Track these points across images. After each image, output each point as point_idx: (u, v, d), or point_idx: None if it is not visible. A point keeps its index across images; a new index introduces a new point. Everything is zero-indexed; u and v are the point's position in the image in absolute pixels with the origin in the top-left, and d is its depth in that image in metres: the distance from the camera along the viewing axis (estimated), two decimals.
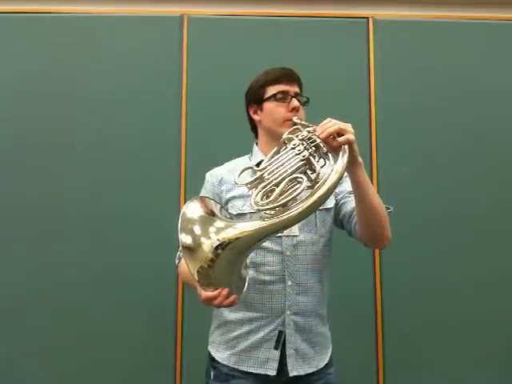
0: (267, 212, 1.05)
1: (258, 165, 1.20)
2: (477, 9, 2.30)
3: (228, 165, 1.42)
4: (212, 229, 1.05)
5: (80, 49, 2.17)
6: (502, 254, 2.13)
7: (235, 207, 1.31)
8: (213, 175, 1.40)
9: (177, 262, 1.38)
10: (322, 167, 1.08)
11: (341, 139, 1.09)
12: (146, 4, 2.26)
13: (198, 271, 1.02)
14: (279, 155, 1.13)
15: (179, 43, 2.18)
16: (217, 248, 1.02)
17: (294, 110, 1.29)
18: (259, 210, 1.06)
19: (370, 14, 2.24)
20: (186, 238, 1.03)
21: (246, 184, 1.11)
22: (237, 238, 1.04)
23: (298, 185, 1.05)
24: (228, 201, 1.33)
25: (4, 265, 2.05)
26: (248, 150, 1.43)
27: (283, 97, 1.31)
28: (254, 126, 1.41)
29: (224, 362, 1.29)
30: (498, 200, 2.15)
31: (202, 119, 2.13)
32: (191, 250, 1.03)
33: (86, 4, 2.25)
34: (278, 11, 2.27)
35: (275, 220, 1.03)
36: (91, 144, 2.12)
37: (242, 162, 1.40)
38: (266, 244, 1.26)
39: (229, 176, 1.36)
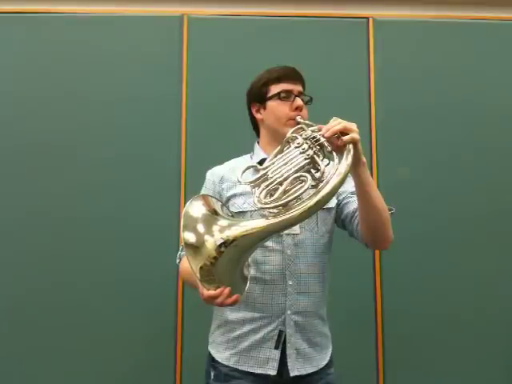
0: (270, 210, 1.05)
1: (260, 163, 1.20)
2: (477, 9, 2.30)
3: (229, 163, 1.42)
4: (215, 227, 1.06)
5: (80, 49, 2.17)
6: (502, 254, 2.13)
7: (236, 205, 1.31)
8: (213, 173, 1.39)
9: (178, 261, 1.38)
10: (326, 166, 1.08)
11: (345, 138, 1.09)
12: (146, 4, 2.27)
13: (200, 269, 1.02)
14: (283, 154, 1.13)
15: (179, 43, 2.18)
16: (220, 246, 1.02)
17: (298, 108, 1.29)
18: (262, 209, 1.06)
19: (370, 14, 2.24)
20: (189, 236, 1.04)
21: (250, 182, 1.11)
22: (242, 236, 1.04)
23: (302, 183, 1.05)
24: (229, 199, 1.33)
25: (4, 265, 2.04)
26: (248, 150, 1.43)
27: (287, 95, 1.30)
28: (255, 125, 1.41)
29: (224, 362, 1.28)
30: (499, 200, 2.15)
31: (202, 119, 2.13)
32: (194, 248, 1.03)
33: (86, 4, 2.24)
34: (277, 11, 2.27)
35: (279, 218, 1.03)
36: (91, 144, 2.12)
37: (244, 160, 1.40)
38: (267, 243, 1.26)
39: (230, 174, 1.36)
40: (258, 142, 1.41)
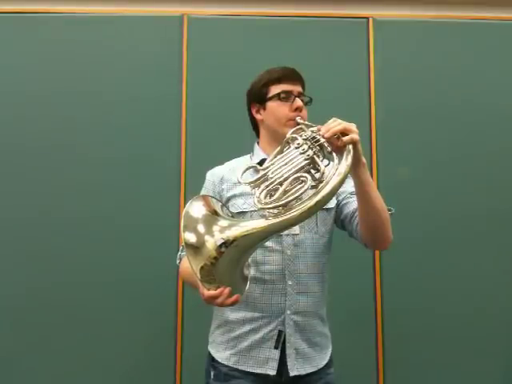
0: (270, 211, 1.05)
1: (260, 164, 1.20)
2: (477, 9, 2.30)
3: (229, 164, 1.42)
4: (215, 227, 1.06)
5: (80, 49, 2.17)
6: (502, 253, 2.13)
7: (236, 206, 1.31)
8: (214, 174, 1.40)
9: (178, 261, 1.38)
10: (326, 166, 1.08)
11: (345, 138, 1.09)
12: (145, 4, 2.27)
13: (201, 269, 1.02)
14: (283, 154, 1.13)
15: (179, 43, 2.18)
16: (220, 246, 1.02)
17: (298, 109, 1.29)
18: (263, 209, 1.06)
19: (370, 14, 2.24)
20: (189, 236, 1.04)
21: (250, 183, 1.11)
22: (242, 236, 1.04)
23: (302, 184, 1.05)
24: (229, 199, 1.33)
25: (4, 264, 2.04)
26: (248, 150, 1.43)
27: (287, 96, 1.31)
28: (255, 125, 1.41)
29: (224, 362, 1.28)
30: (499, 200, 2.15)
31: (202, 119, 2.13)
32: (195, 248, 1.03)
33: (86, 4, 2.24)
34: (278, 11, 2.27)
35: (279, 218, 1.03)
36: (91, 144, 2.12)
37: (243, 161, 1.40)
38: (267, 243, 1.26)
39: (230, 175, 1.36)
40: (258, 143, 1.41)
